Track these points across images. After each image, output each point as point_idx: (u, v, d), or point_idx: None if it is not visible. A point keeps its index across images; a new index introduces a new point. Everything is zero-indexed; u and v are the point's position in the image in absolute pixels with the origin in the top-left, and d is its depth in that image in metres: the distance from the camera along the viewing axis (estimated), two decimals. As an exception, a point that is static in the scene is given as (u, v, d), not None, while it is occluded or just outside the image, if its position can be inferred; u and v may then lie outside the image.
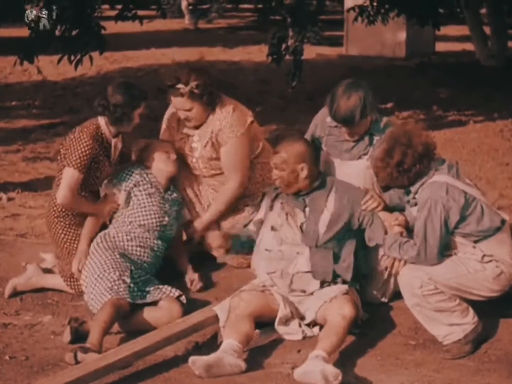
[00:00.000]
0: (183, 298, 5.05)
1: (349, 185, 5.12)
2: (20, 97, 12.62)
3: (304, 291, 4.91)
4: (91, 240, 5.33)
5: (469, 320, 4.69)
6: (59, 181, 5.36)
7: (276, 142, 5.31)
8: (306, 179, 5.01)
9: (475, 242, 4.65)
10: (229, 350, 4.49)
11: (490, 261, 4.63)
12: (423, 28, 14.21)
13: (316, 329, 4.85)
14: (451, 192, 4.60)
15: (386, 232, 4.90)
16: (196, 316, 4.87)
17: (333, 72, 13.52)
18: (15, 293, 5.44)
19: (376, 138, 5.24)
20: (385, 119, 5.41)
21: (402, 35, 16.33)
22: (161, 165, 5.54)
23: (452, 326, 4.66)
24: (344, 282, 4.93)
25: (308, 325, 4.87)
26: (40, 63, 10.39)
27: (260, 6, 12.27)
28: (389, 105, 11.51)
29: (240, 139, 5.59)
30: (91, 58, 8.87)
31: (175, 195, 5.60)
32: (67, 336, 4.82)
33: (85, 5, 8.93)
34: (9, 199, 7.58)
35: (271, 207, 5.14)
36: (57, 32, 8.77)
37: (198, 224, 5.70)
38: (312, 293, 4.90)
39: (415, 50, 16.23)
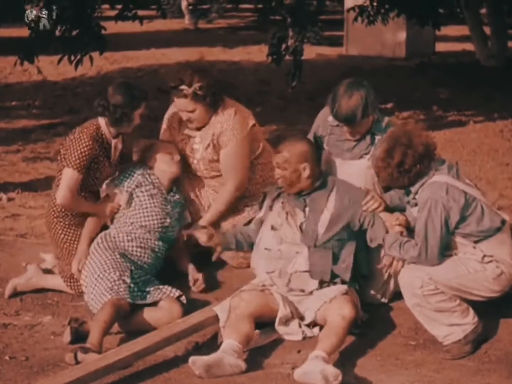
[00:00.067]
0: (183, 299, 5.05)
1: (350, 185, 5.12)
2: (20, 97, 12.61)
3: (303, 291, 4.91)
4: (91, 241, 5.33)
5: (469, 321, 4.69)
6: (59, 181, 5.36)
7: (276, 142, 5.30)
8: (308, 178, 5.01)
9: (476, 242, 4.65)
10: (229, 350, 4.49)
11: (491, 261, 4.63)
12: (423, 28, 14.19)
13: (316, 329, 4.85)
14: (451, 192, 4.60)
15: (387, 233, 4.90)
16: (196, 316, 4.87)
17: (333, 72, 13.51)
18: (15, 294, 5.44)
19: (377, 137, 5.23)
20: (386, 118, 5.40)
21: (402, 35, 16.31)
22: (164, 166, 5.53)
23: (452, 326, 4.66)
24: (343, 282, 4.93)
25: (308, 325, 4.88)
26: (40, 63, 10.37)
27: (260, 6, 12.29)
28: (389, 105, 11.49)
29: (241, 142, 5.58)
30: (91, 58, 8.86)
31: (177, 196, 5.58)
32: (67, 337, 4.82)
33: (85, 5, 8.93)
34: (9, 199, 7.57)
35: (271, 207, 5.15)
36: (57, 32, 8.76)
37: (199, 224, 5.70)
38: (311, 293, 4.90)
39: (415, 50, 16.21)
